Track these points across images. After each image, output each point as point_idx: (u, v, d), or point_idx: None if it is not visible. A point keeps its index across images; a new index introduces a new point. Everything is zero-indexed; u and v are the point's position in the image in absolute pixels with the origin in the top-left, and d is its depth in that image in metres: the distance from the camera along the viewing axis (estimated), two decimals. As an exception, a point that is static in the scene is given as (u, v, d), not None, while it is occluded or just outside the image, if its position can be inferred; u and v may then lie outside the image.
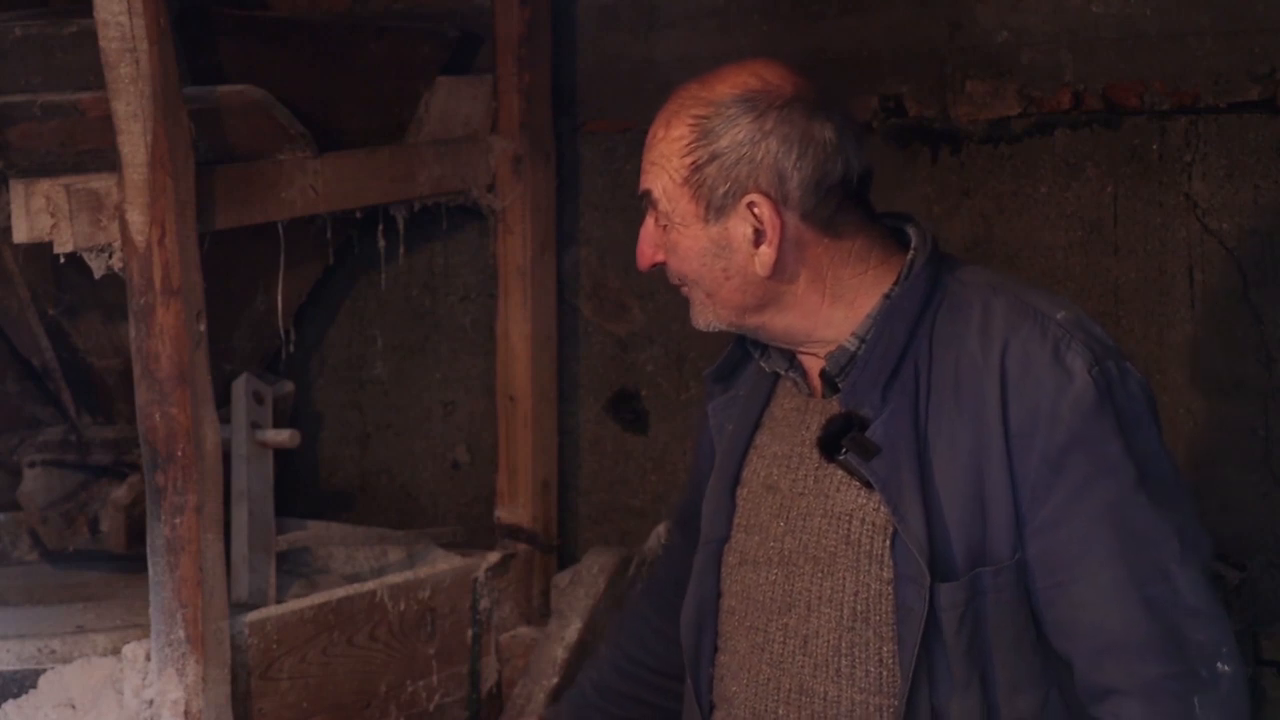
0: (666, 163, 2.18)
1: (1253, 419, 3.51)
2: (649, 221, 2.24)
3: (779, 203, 2.13)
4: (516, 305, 4.12)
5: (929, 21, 3.77)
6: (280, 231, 3.78)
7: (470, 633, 3.95)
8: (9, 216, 3.36)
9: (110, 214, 3.29)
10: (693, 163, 2.15)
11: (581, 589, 3.86)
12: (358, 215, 4.03)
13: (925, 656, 2.07)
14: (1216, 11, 3.50)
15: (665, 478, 4.20)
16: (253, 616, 3.51)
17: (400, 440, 4.53)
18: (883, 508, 2.09)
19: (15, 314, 4.03)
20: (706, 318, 2.23)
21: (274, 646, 3.52)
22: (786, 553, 2.17)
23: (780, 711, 2.17)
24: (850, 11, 3.88)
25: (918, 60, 3.79)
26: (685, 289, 2.24)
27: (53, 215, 3.28)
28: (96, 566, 4.13)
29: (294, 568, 4.09)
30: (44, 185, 3.30)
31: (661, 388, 4.19)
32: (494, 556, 4.04)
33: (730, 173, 2.13)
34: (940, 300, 2.15)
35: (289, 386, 4.11)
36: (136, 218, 3.26)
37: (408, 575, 3.87)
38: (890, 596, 2.09)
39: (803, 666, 2.15)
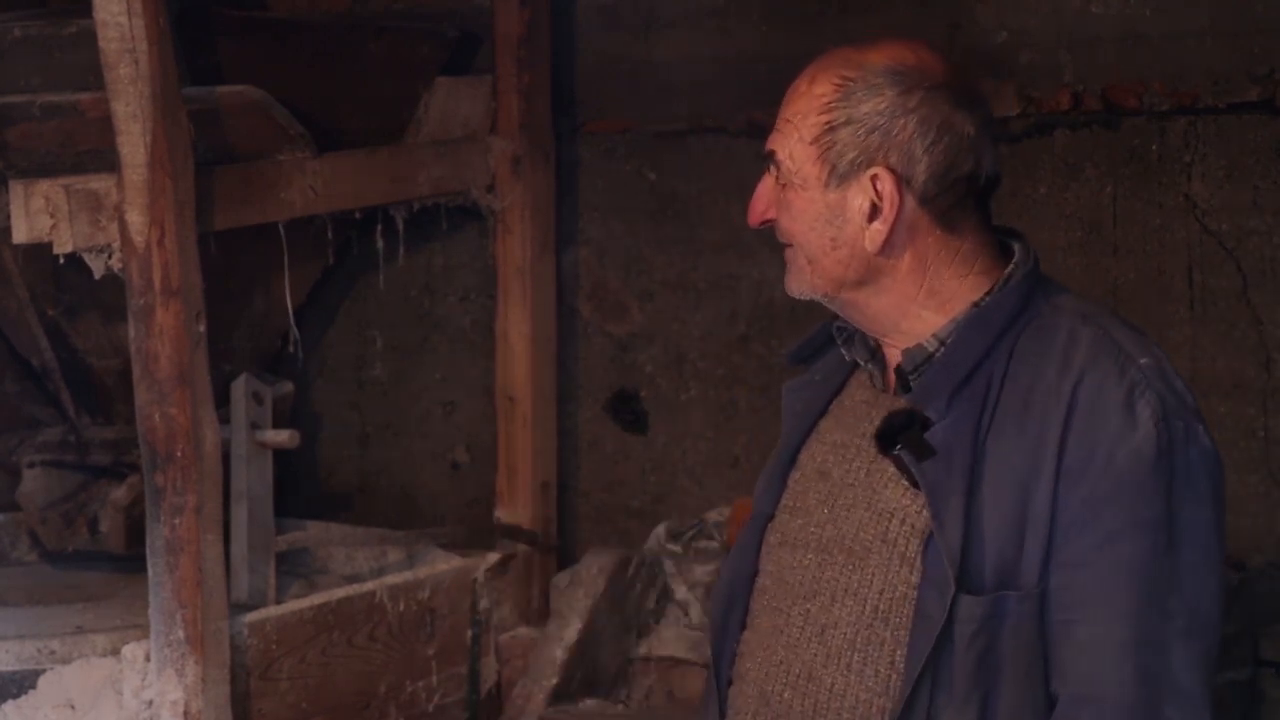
0: (801, 119, 2.13)
1: (1253, 419, 3.51)
2: (767, 177, 2.18)
3: (902, 182, 2.10)
4: (516, 306, 4.12)
5: (929, 21, 3.77)
6: (281, 232, 3.78)
7: (470, 633, 3.95)
8: (9, 217, 3.36)
9: (110, 214, 3.29)
10: (827, 122, 2.11)
11: (581, 589, 3.86)
12: (357, 216, 4.03)
13: (932, 666, 2.05)
14: (1216, 12, 3.50)
15: (665, 478, 4.20)
16: (252, 617, 3.51)
17: (400, 441, 4.53)
18: (924, 511, 2.07)
19: (15, 314, 4.03)
20: (802, 284, 2.18)
21: (273, 647, 3.52)
22: (825, 540, 2.16)
23: (786, 695, 2.16)
24: (850, 11, 3.88)
25: (917, 61, 3.79)
26: (789, 250, 2.19)
27: (52, 216, 3.28)
28: (96, 567, 4.13)
29: (293, 568, 4.09)
30: (43, 186, 3.30)
31: (661, 388, 4.19)
32: (493, 557, 4.04)
33: (863, 141, 2.10)
34: (1029, 320, 2.12)
35: (288, 387, 4.11)
36: (136, 218, 3.26)
37: (407, 576, 3.87)
38: (913, 601, 2.07)
39: (815, 654, 2.14)
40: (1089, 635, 2.02)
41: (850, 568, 2.12)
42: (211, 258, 3.46)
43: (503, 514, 4.15)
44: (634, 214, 4.19)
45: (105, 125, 3.29)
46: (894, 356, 2.20)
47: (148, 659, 3.35)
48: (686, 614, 3.91)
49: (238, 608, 3.55)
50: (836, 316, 2.26)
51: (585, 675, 3.80)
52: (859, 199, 2.11)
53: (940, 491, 2.05)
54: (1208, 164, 3.54)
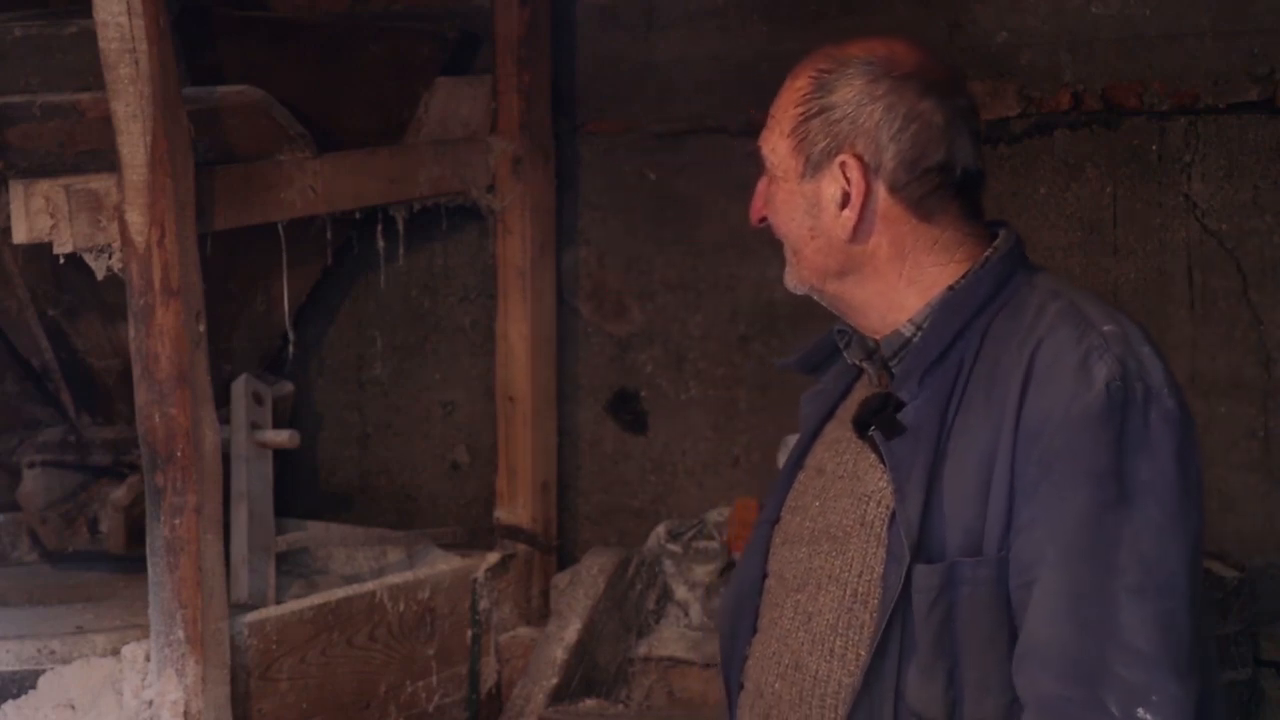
0: (782, 114, 2.18)
1: (1253, 419, 3.51)
2: (763, 177, 2.24)
3: (870, 169, 2.13)
4: (516, 306, 4.12)
5: (929, 21, 3.77)
6: (280, 232, 3.78)
7: (470, 633, 3.95)
8: (9, 217, 3.36)
9: (110, 214, 3.29)
10: (802, 113, 2.15)
11: (581, 589, 3.86)
12: (357, 216, 4.03)
13: (899, 637, 2.06)
14: (1216, 12, 3.50)
15: (665, 478, 4.20)
16: (252, 617, 3.51)
17: (400, 441, 4.53)
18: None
19: (15, 314, 4.03)
20: (793, 278, 2.24)
21: (273, 647, 3.52)
22: (815, 532, 2.19)
23: (776, 686, 2.18)
24: (850, 12, 3.88)
25: (917, 60, 3.79)
26: (785, 247, 2.25)
27: (52, 216, 3.28)
28: (96, 567, 4.13)
29: (294, 568, 4.09)
30: (44, 186, 3.30)
31: (661, 388, 4.19)
32: (493, 557, 4.04)
33: (832, 129, 2.14)
34: (1004, 302, 2.14)
35: (288, 387, 4.11)
36: (136, 218, 3.26)
37: (407, 576, 3.87)
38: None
39: (802, 642, 2.16)
40: (1041, 597, 2.00)
41: (833, 554, 2.15)
42: (211, 258, 3.46)
43: (503, 514, 4.15)
44: (634, 214, 4.19)
45: (105, 125, 3.29)
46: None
47: (148, 659, 3.35)
48: (686, 614, 3.91)
49: (238, 608, 3.55)
50: (835, 320, 2.28)
51: (585, 675, 3.80)
52: (831, 187, 2.14)
53: (903, 466, 2.08)
54: (1208, 164, 3.54)
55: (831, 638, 2.13)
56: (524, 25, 4.06)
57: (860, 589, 2.11)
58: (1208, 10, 3.51)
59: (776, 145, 2.18)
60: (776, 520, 2.27)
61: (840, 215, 2.14)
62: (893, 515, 2.08)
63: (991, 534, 2.04)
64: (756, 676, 2.22)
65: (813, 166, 2.15)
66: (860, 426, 2.14)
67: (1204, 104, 3.52)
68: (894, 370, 2.16)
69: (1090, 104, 3.63)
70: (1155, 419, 2.02)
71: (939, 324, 2.13)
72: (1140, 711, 1.94)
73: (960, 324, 2.13)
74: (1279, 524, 3.49)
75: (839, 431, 2.24)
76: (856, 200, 2.13)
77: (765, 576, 2.26)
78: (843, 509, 2.16)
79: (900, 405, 2.11)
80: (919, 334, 2.15)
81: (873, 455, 2.14)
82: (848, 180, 2.13)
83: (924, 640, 2.05)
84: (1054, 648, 1.98)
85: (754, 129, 4.23)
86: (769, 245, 4.27)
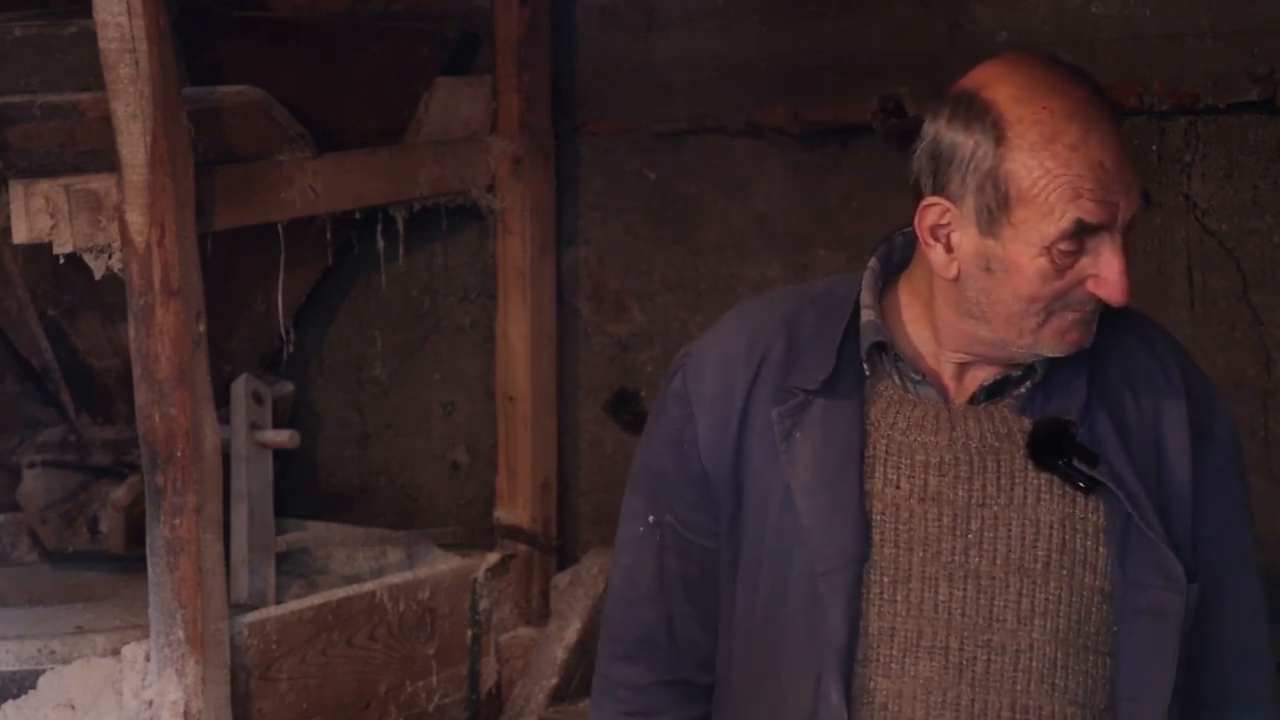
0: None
1: (1252, 419, 3.51)
2: (1116, 241, 2.04)
3: None
4: (516, 306, 4.12)
5: (929, 22, 3.77)
6: (280, 232, 3.78)
7: (470, 633, 3.95)
8: (9, 217, 3.36)
9: (110, 214, 3.30)
10: None
11: (581, 590, 3.86)
12: (357, 215, 4.03)
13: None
14: (1216, 12, 3.50)
15: (665, 478, 4.19)
16: (252, 617, 3.51)
17: (400, 440, 4.53)
18: (1094, 516, 2.07)
19: (15, 314, 4.03)
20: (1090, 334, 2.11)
21: (273, 647, 3.52)
22: (973, 566, 2.08)
23: None
24: (850, 12, 3.87)
25: (917, 61, 3.78)
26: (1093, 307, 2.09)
27: (52, 216, 3.28)
28: (96, 567, 4.13)
29: (294, 568, 4.09)
30: (43, 186, 3.30)
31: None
32: (493, 557, 4.04)
33: None
34: None
35: (288, 387, 4.11)
36: (136, 218, 3.27)
37: (407, 576, 3.87)
38: (1103, 606, 2.07)
39: (1015, 683, 2.07)
40: (1238, 600, 2.13)
41: (1031, 587, 2.07)
42: (211, 258, 3.46)
43: (503, 514, 4.15)
44: (634, 214, 4.19)
45: (105, 125, 3.29)
46: (981, 372, 2.13)
47: (148, 659, 3.35)
48: (686, 614, 3.90)
49: (238, 608, 3.55)
50: (844, 338, 2.15)
51: (585, 675, 3.80)
52: None
53: (1128, 490, 2.07)
54: (1208, 164, 3.53)
55: (1053, 673, 2.07)
56: (524, 25, 4.06)
57: (1074, 618, 2.07)
58: (1208, 10, 3.51)
59: None
60: (865, 558, 2.09)
61: None
62: (1121, 541, 2.06)
63: (1186, 544, 2.09)
64: None
65: None
66: (1046, 455, 2.08)
67: (1204, 104, 3.52)
68: (1024, 389, 2.12)
69: (1090, 104, 3.62)
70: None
71: None
72: None
73: None
74: (1279, 524, 3.49)
75: (931, 455, 2.11)
76: None
77: (855, 619, 2.09)
78: (1021, 539, 2.08)
79: (1068, 430, 2.08)
80: None
81: (1032, 480, 2.08)
82: None
83: (1179, 659, 2.08)
84: (1265, 651, 2.17)
85: (754, 129, 4.23)
86: (768, 245, 4.28)
